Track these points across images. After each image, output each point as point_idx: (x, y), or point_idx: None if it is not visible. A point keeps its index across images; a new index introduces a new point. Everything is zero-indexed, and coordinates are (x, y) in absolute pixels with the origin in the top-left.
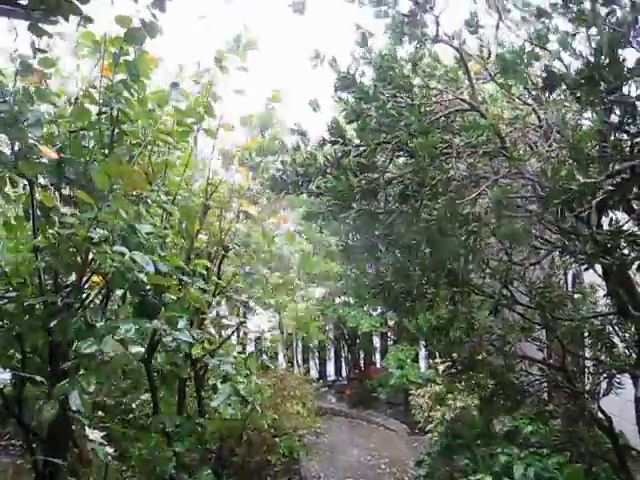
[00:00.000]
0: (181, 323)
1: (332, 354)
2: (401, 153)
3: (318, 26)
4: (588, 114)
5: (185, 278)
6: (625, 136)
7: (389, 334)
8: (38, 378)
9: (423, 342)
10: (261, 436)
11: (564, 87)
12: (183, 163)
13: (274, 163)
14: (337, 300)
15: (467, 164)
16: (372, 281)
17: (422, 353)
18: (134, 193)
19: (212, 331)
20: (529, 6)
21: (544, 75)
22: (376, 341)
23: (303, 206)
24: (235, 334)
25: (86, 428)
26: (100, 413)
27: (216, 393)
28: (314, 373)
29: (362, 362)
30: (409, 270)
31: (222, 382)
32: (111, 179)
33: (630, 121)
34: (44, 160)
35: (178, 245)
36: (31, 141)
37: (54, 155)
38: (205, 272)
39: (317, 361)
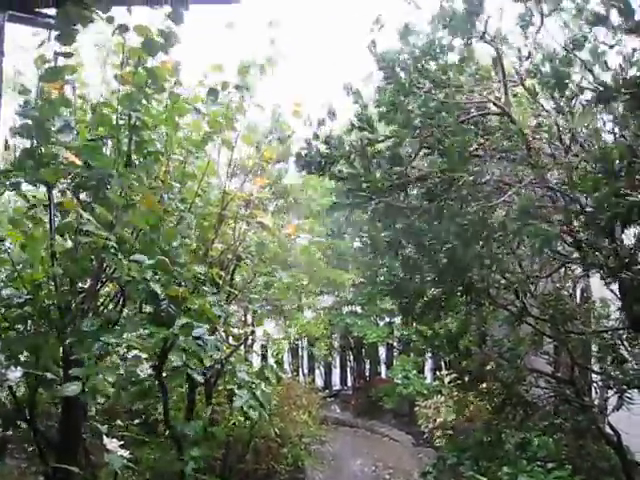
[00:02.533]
0: (199, 330)
1: (338, 363)
2: (430, 150)
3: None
4: (612, 127)
5: (205, 288)
6: None
7: (395, 344)
8: (49, 375)
9: (429, 353)
10: (267, 444)
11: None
12: (200, 172)
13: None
14: (344, 309)
15: (494, 169)
16: (386, 278)
17: (428, 364)
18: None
19: (230, 340)
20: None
21: (599, 88)
22: (382, 351)
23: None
24: (246, 342)
25: (104, 437)
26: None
27: (233, 398)
28: (319, 382)
29: (368, 372)
30: (424, 270)
31: (238, 388)
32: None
33: None
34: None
35: (195, 254)
36: (57, 147)
37: (78, 161)
38: (219, 281)
39: (322, 370)
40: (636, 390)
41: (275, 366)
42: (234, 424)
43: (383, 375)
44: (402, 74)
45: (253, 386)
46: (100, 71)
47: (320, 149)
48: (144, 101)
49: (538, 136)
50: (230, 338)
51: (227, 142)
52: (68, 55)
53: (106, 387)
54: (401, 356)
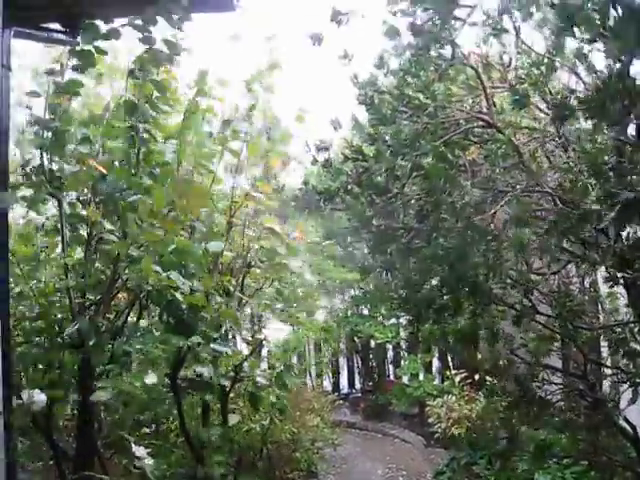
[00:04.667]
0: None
1: (345, 366)
2: (419, 173)
3: (340, 42)
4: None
5: (218, 298)
6: None
7: (402, 345)
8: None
9: (437, 353)
10: (280, 450)
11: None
12: (209, 181)
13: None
14: (350, 311)
15: (485, 178)
16: (393, 292)
17: (435, 364)
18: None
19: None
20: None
21: (555, 105)
22: (390, 352)
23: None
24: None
25: (132, 445)
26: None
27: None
28: (327, 385)
29: (376, 374)
30: (429, 283)
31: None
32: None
33: None
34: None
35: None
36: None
37: (104, 170)
38: (230, 287)
39: (330, 373)
40: None
41: (287, 371)
42: (246, 430)
43: (391, 376)
44: (381, 104)
45: (270, 390)
46: (105, 83)
47: (316, 186)
48: (152, 112)
49: (531, 138)
50: (243, 345)
51: (234, 152)
52: (83, 68)
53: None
54: (409, 356)
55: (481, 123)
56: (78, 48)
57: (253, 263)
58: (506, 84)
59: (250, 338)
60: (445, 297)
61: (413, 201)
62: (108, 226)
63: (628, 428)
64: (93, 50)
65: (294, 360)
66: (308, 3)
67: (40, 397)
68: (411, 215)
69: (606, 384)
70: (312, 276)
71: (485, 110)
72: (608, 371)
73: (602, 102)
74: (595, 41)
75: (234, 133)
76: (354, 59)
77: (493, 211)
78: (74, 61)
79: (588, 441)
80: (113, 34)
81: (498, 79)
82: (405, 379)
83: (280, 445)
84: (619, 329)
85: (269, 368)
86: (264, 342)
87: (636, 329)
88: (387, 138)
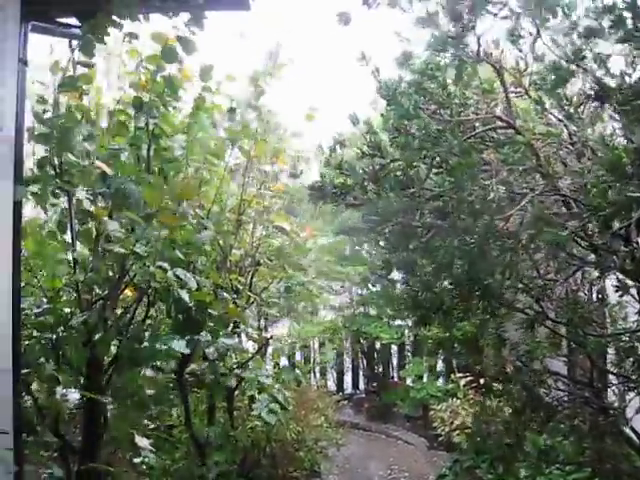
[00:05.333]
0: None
1: (350, 366)
2: (440, 170)
3: (358, 36)
4: (624, 131)
5: (225, 295)
6: None
7: (407, 347)
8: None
9: (441, 356)
10: (284, 448)
11: (605, 104)
12: (219, 179)
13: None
14: (356, 311)
15: (503, 181)
16: (403, 293)
17: (440, 366)
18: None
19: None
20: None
21: (596, 88)
22: (395, 353)
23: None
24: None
25: (135, 436)
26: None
27: (253, 403)
28: (331, 385)
29: (380, 375)
30: (441, 284)
31: (259, 393)
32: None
33: None
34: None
35: (213, 260)
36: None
37: (107, 169)
38: (239, 286)
39: (334, 373)
40: None
41: (293, 369)
42: (251, 428)
43: (396, 378)
44: (404, 99)
45: (275, 390)
46: (115, 79)
47: (333, 179)
48: (162, 108)
49: (546, 144)
50: (250, 342)
51: (244, 151)
52: (89, 65)
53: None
54: (414, 358)
55: (500, 124)
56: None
57: (262, 261)
58: (521, 89)
59: (256, 336)
60: (455, 299)
61: (431, 200)
62: (112, 225)
63: (634, 437)
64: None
65: (298, 359)
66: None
67: (74, 395)
68: (430, 213)
69: (612, 392)
70: (320, 275)
71: (502, 113)
72: (615, 379)
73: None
74: (627, 41)
75: (244, 129)
76: (372, 54)
77: (513, 211)
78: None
79: (593, 448)
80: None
81: (512, 83)
82: (409, 381)
83: (284, 444)
84: (627, 337)
85: (274, 366)
86: (270, 340)
87: None
88: (414, 131)
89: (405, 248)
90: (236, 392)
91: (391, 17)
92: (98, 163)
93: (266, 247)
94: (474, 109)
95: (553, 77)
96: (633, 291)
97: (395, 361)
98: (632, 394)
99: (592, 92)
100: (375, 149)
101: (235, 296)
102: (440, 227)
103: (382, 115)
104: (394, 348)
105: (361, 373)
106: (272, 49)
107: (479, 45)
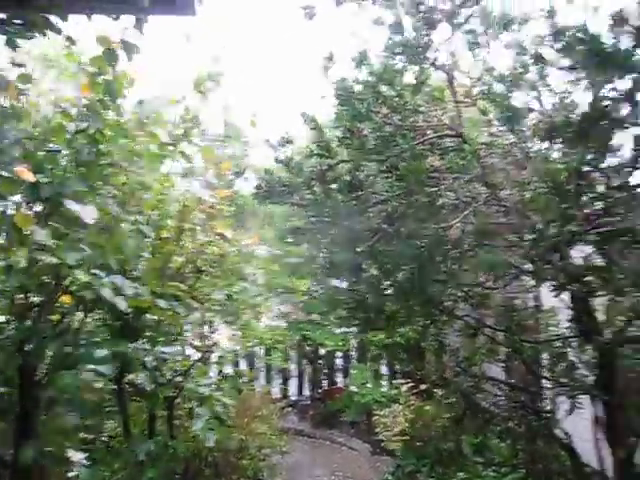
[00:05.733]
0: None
1: (295, 373)
2: (389, 174)
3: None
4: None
5: (161, 303)
6: (599, 174)
7: (352, 353)
8: None
9: (386, 361)
10: (227, 457)
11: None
12: (160, 184)
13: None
14: (300, 318)
15: (449, 188)
16: (347, 297)
17: (385, 372)
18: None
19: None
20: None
21: (545, 126)
22: (339, 360)
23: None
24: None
25: (69, 451)
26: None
27: (193, 416)
28: (277, 392)
29: (325, 381)
30: (384, 289)
31: (199, 405)
32: None
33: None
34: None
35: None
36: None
37: (31, 177)
38: (180, 293)
39: (280, 380)
40: (585, 396)
41: (236, 377)
42: (193, 437)
43: (341, 384)
44: (357, 101)
45: (214, 402)
46: (51, 81)
47: (280, 178)
48: (103, 112)
49: (490, 153)
50: (191, 350)
51: (185, 155)
52: (21, 65)
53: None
54: (359, 365)
55: (448, 132)
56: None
57: (204, 268)
58: (469, 99)
59: (199, 344)
60: (398, 304)
61: (379, 204)
62: (40, 235)
63: (564, 437)
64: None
65: (243, 366)
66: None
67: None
68: (377, 217)
69: (545, 396)
70: (264, 282)
71: (451, 121)
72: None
73: (585, 127)
74: (575, 69)
75: (187, 134)
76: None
77: (457, 220)
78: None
79: (527, 450)
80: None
81: (462, 94)
82: (354, 387)
83: (227, 452)
84: (560, 343)
85: (218, 374)
86: (214, 348)
87: (574, 344)
88: (366, 133)
89: (351, 251)
90: (177, 401)
91: (346, 19)
92: (19, 170)
93: (209, 254)
94: (425, 116)
95: (500, 89)
96: (565, 299)
97: (340, 367)
98: (563, 397)
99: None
100: (324, 149)
101: (175, 304)
102: (386, 232)
103: (335, 113)
104: (339, 355)
105: (306, 380)
106: (217, 53)
107: (436, 52)
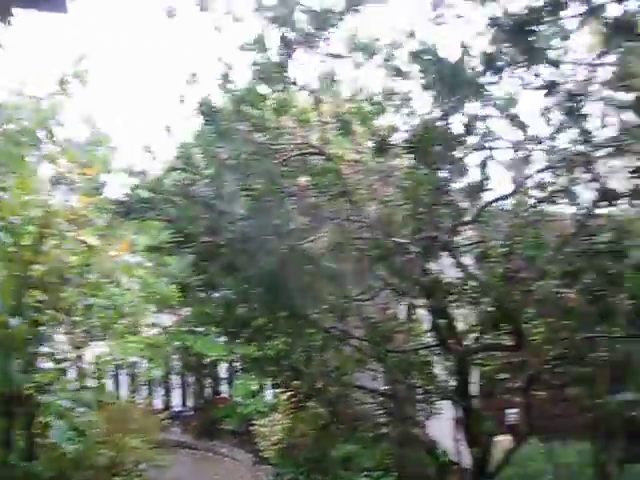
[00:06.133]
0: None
1: (178, 384)
2: (248, 192)
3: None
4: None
5: (13, 321)
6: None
7: (236, 363)
8: None
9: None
10: (98, 475)
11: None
12: (19, 187)
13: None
14: (180, 328)
15: (314, 205)
16: (214, 311)
17: (268, 382)
18: None
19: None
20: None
21: (377, 139)
22: (223, 370)
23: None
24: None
25: None
26: None
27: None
28: (159, 404)
29: (209, 391)
30: (248, 303)
31: (59, 418)
32: None
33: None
34: None
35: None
36: None
37: None
38: (39, 304)
39: (162, 391)
40: (446, 401)
41: (101, 389)
42: (59, 456)
43: (225, 394)
44: (221, 118)
45: (74, 414)
46: None
47: (140, 194)
48: None
49: (355, 170)
50: (51, 363)
51: (49, 156)
52: None
53: None
54: (242, 374)
55: (312, 150)
56: None
57: (69, 277)
58: (336, 118)
59: (61, 357)
60: (263, 318)
61: (239, 220)
62: None
63: (428, 441)
64: None
65: (124, 378)
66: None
67: None
68: (236, 233)
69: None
70: (140, 291)
71: (316, 140)
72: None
73: (423, 144)
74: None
75: (50, 134)
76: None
77: (313, 237)
78: None
79: (397, 454)
80: None
81: (329, 113)
82: (238, 397)
83: (98, 470)
84: (424, 352)
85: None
86: (80, 360)
87: (437, 352)
88: (228, 151)
89: (211, 267)
90: (39, 418)
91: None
92: None
93: (74, 262)
94: (290, 136)
95: (367, 109)
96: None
97: (224, 377)
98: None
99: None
100: (186, 164)
101: (35, 314)
102: (246, 248)
103: (198, 131)
104: (224, 364)
105: (190, 390)
106: (82, 53)
107: (297, 73)
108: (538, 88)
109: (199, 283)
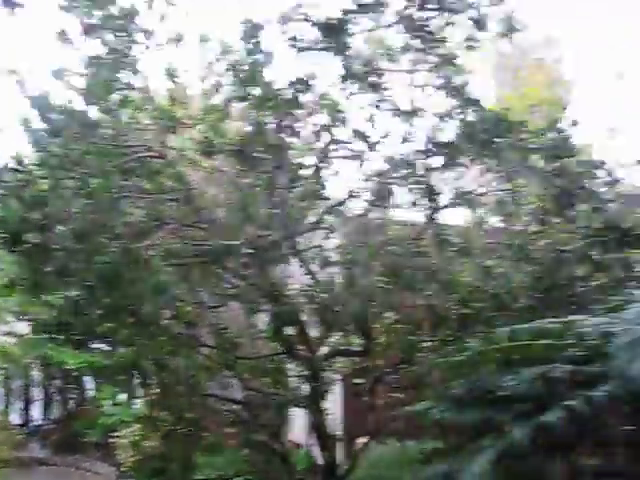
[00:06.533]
0: None
1: (39, 396)
2: (81, 191)
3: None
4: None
5: None
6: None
7: (101, 373)
8: None
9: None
10: None
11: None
12: None
13: None
14: (36, 336)
15: (153, 208)
16: (54, 318)
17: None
18: None
19: None
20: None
21: (204, 142)
22: (88, 380)
23: None
24: None
25: None
26: None
27: None
28: (17, 418)
29: (73, 403)
30: (89, 308)
31: None
32: None
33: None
34: None
35: None
36: None
37: None
38: None
39: (21, 404)
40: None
41: None
42: None
43: (90, 405)
44: (54, 117)
45: None
46: None
47: None
48: None
49: (200, 175)
50: None
51: None
52: None
53: None
54: (106, 384)
55: (153, 154)
56: None
57: None
58: (189, 122)
59: None
60: (108, 323)
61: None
62: None
63: (278, 447)
64: None
65: None
66: None
67: None
68: (68, 234)
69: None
70: None
71: (160, 144)
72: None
73: (244, 148)
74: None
75: None
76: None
77: (146, 242)
78: None
79: (253, 461)
80: None
81: (184, 116)
82: (106, 407)
83: None
84: (273, 359)
85: None
86: None
87: (290, 359)
88: (57, 150)
89: (41, 268)
90: None
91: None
92: None
93: None
94: (129, 138)
95: (214, 114)
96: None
97: (89, 388)
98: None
99: None
100: (19, 164)
101: None
102: (78, 250)
103: (27, 128)
104: (89, 374)
105: (53, 402)
106: None
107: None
108: None
109: (29, 284)
